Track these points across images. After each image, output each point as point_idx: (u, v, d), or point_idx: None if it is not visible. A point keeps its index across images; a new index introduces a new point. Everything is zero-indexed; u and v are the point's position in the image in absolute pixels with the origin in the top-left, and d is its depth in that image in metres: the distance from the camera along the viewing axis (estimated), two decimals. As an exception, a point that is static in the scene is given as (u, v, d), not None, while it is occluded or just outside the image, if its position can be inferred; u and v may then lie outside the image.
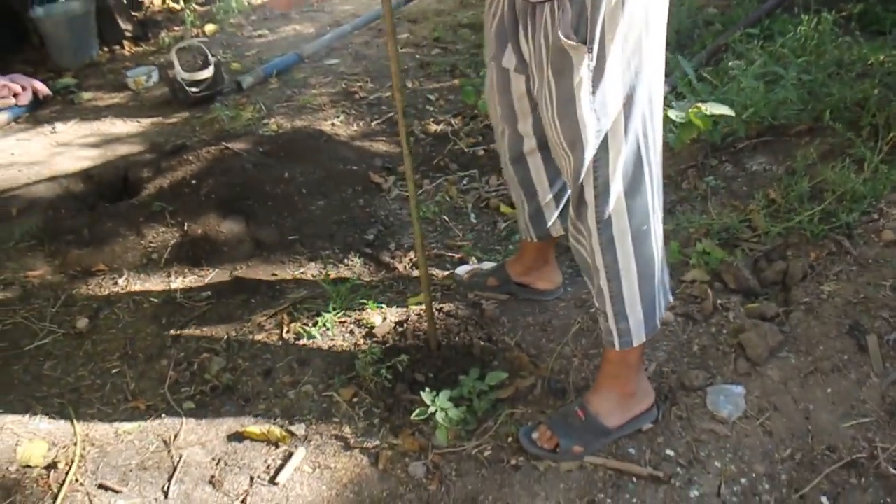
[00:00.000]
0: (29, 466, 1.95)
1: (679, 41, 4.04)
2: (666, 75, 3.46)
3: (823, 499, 1.69)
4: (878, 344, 1.95)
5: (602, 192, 1.62)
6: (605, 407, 1.86)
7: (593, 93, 1.52)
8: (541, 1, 1.51)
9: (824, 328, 2.03)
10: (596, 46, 1.47)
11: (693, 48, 3.97)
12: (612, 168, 1.59)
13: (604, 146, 1.58)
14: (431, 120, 3.69)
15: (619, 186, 1.61)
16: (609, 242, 1.67)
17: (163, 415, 2.10)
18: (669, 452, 1.83)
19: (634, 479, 1.78)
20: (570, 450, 1.84)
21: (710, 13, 4.45)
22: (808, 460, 1.76)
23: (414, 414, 1.94)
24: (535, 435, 1.88)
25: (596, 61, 1.49)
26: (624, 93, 1.53)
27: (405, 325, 2.32)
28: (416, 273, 2.58)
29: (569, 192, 1.76)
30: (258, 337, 2.34)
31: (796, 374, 1.93)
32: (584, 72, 1.50)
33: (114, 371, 2.28)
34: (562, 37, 1.48)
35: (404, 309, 2.40)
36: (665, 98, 3.17)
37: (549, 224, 2.18)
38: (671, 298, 1.87)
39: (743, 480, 1.75)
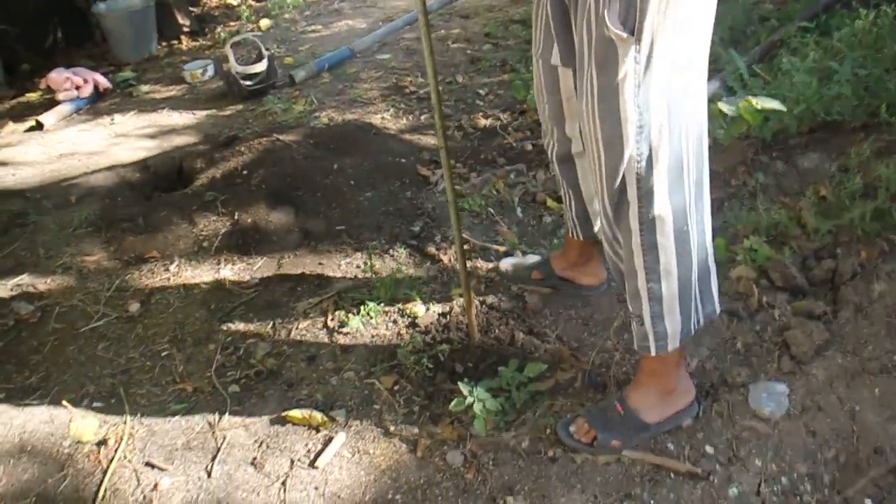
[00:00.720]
0: (80, 442, 2.02)
1: (733, 37, 3.97)
2: (717, 71, 3.44)
3: (868, 501, 1.65)
4: (929, 345, 1.90)
5: (646, 192, 1.57)
6: (645, 402, 1.85)
7: (638, 87, 1.48)
8: None
9: (873, 328, 1.98)
10: (644, 39, 1.43)
11: (747, 44, 3.90)
12: (657, 167, 1.55)
13: (646, 143, 1.52)
14: (480, 114, 3.70)
15: (663, 186, 1.57)
16: (652, 243, 1.63)
17: (209, 397, 2.15)
18: (709, 449, 1.81)
19: (672, 475, 1.77)
20: (608, 444, 1.83)
21: (766, 9, 4.36)
22: (853, 462, 1.73)
23: (452, 404, 1.96)
24: (573, 428, 1.88)
25: (643, 54, 1.45)
26: (670, 88, 1.49)
27: (448, 316, 2.34)
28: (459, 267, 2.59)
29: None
30: (303, 324, 2.39)
31: (843, 374, 1.89)
32: (630, 65, 1.46)
33: (163, 354, 2.34)
34: (610, 26, 1.43)
35: (448, 300, 2.42)
36: (716, 93, 3.15)
37: (596, 228, 2.16)
38: (717, 308, 1.81)
39: (784, 480, 1.72)
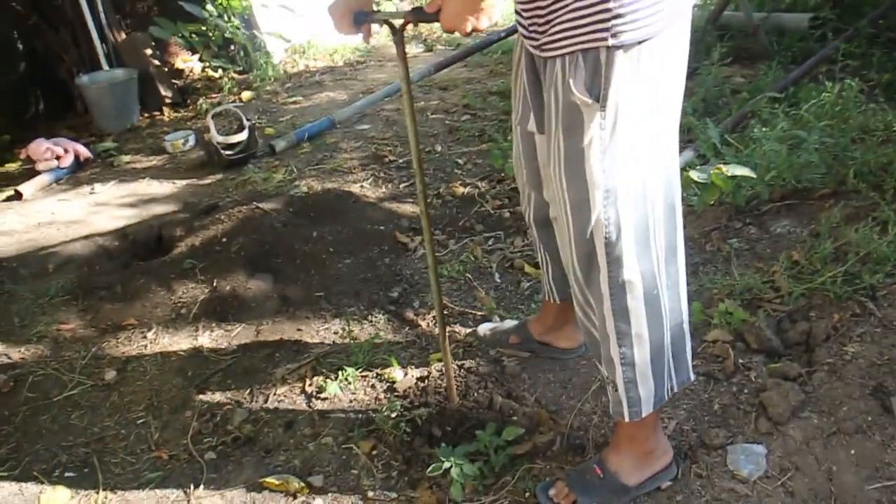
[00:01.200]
0: (50, 514, 1.98)
1: (706, 108, 4.10)
2: (690, 141, 3.53)
3: (848, 563, 1.65)
4: (903, 405, 1.92)
5: (616, 257, 1.59)
6: (624, 465, 1.84)
7: (604, 152, 1.50)
8: (552, 56, 1.51)
9: (848, 389, 2.00)
10: (609, 105, 1.46)
11: (720, 115, 4.02)
12: (625, 231, 1.56)
13: (613, 208, 1.54)
14: (459, 182, 3.75)
15: (632, 250, 1.59)
16: (623, 308, 1.64)
17: (184, 465, 2.12)
18: (689, 512, 1.80)
19: (653, 538, 1.76)
20: (589, 507, 1.82)
21: (738, 82, 4.51)
22: (833, 523, 1.73)
23: (430, 468, 1.94)
24: (552, 491, 1.86)
25: (609, 121, 1.48)
26: (636, 154, 1.52)
27: (426, 380, 2.34)
28: (438, 330, 2.60)
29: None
30: (281, 390, 2.37)
31: (819, 435, 1.90)
32: (595, 131, 1.49)
33: (139, 422, 2.31)
34: (575, 92, 1.47)
35: (426, 365, 2.41)
36: (690, 162, 3.23)
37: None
38: (691, 375, 1.82)
39: (765, 542, 1.71)
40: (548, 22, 1.49)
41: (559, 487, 1.86)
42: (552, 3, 1.46)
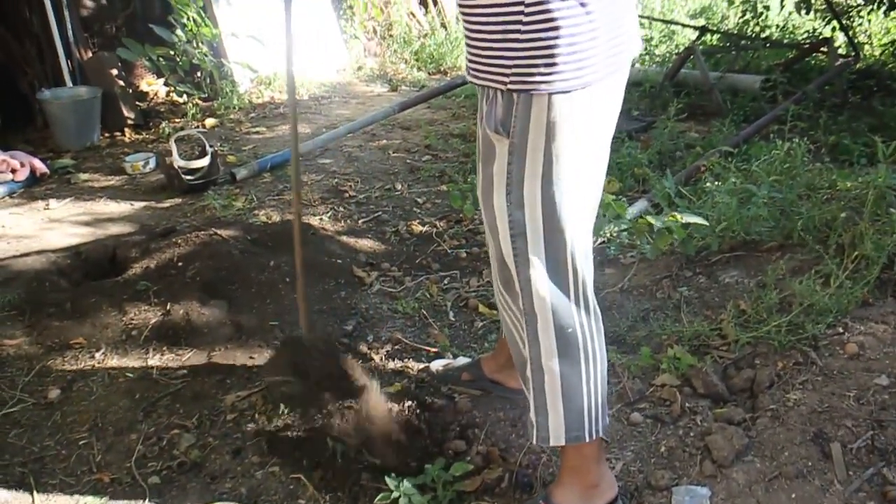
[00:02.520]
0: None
1: (661, 161, 4.22)
2: (646, 191, 3.62)
3: None
4: (841, 452, 1.97)
5: (525, 284, 1.66)
6: (568, 499, 1.86)
7: (510, 185, 1.59)
8: (480, 85, 1.60)
9: (789, 434, 2.06)
10: (518, 142, 1.54)
11: (674, 167, 4.14)
12: (533, 266, 1.64)
13: (522, 239, 1.62)
14: (417, 221, 3.79)
15: (541, 284, 1.65)
16: (534, 336, 1.70)
17: (126, 489, 2.08)
18: (633, 551, 1.83)
19: (597, 577, 1.77)
20: (534, 543, 1.83)
21: (692, 137, 4.66)
22: (771, 566, 1.76)
23: (378, 498, 1.93)
24: (499, 527, 1.87)
25: (516, 157, 1.55)
26: (543, 193, 1.58)
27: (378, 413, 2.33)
28: (392, 365, 2.61)
29: None
30: (230, 416, 2.35)
31: (761, 479, 1.95)
32: (503, 164, 1.58)
33: (81, 443, 2.27)
34: (488, 129, 1.57)
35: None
36: (645, 211, 3.31)
37: None
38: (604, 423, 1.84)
39: (705, 583, 1.74)
40: (474, 50, 1.57)
41: (506, 523, 1.87)
42: (473, 38, 1.55)
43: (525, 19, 1.44)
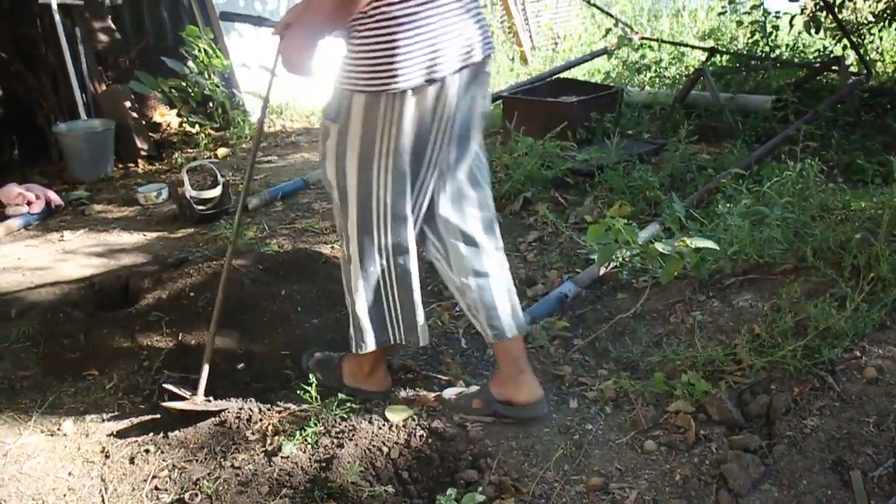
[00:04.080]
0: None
1: (672, 183, 4.20)
2: (657, 215, 3.60)
3: None
4: (861, 480, 1.94)
5: (343, 234, 2.29)
6: (347, 378, 2.56)
7: (336, 160, 2.13)
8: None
9: (807, 462, 2.03)
10: (341, 128, 2.07)
11: (686, 190, 4.13)
12: (349, 222, 2.23)
13: (345, 201, 2.20)
14: (429, 246, 3.78)
15: (353, 236, 2.24)
16: (348, 272, 2.33)
17: (137, 521, 2.07)
18: (649, 583, 1.79)
19: None
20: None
21: (704, 158, 4.65)
22: None
23: (390, 530, 1.92)
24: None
25: (341, 138, 2.08)
26: (359, 166, 2.10)
27: (390, 441, 2.32)
28: (403, 393, 2.60)
29: (492, 296, 2.35)
30: (241, 447, 2.34)
31: (778, 508, 1.92)
32: (333, 143, 2.12)
33: (92, 474, 2.26)
34: (325, 116, 2.13)
35: (391, 426, 2.40)
36: (655, 235, 3.30)
37: (504, 323, 2.39)
38: (422, 342, 2.45)
39: None
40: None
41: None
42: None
43: (352, 36, 1.99)
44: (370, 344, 2.40)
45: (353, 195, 2.16)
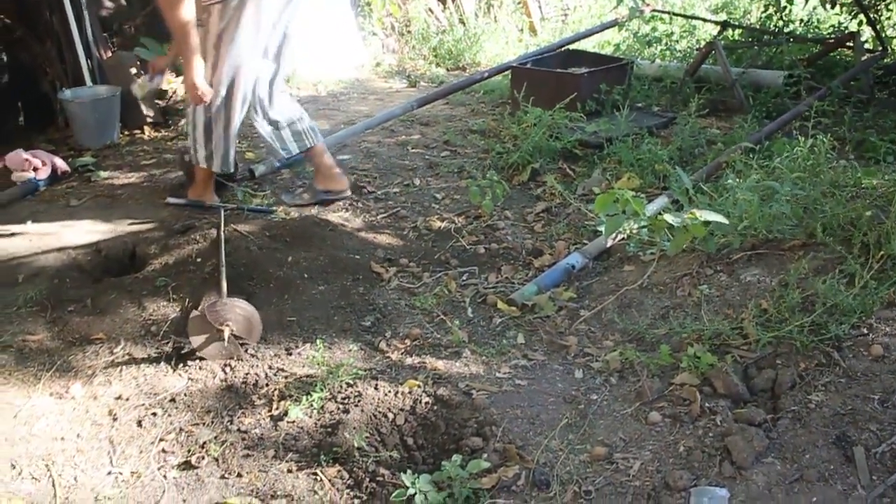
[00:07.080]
0: (3, 528, 1.94)
1: (682, 157, 4.18)
2: (665, 188, 3.58)
3: None
4: (864, 456, 1.95)
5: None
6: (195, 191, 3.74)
7: (220, 34, 3.34)
8: None
9: (811, 437, 2.03)
10: (216, 26, 3.32)
11: (695, 164, 4.10)
12: (222, 85, 3.45)
13: (220, 70, 3.40)
14: (436, 217, 3.78)
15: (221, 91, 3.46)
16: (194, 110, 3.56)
17: (146, 481, 2.09)
18: (651, 552, 1.81)
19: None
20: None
21: (714, 133, 4.62)
22: (792, 569, 1.74)
23: (394, 494, 1.93)
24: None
25: (225, 20, 3.32)
26: (227, 49, 3.36)
27: (395, 408, 2.33)
28: (409, 360, 2.60)
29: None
30: (247, 411, 2.35)
31: (782, 481, 1.92)
32: (216, 33, 3.34)
33: (100, 436, 2.28)
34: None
35: (396, 393, 2.41)
36: (665, 208, 3.28)
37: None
38: (228, 169, 3.77)
39: (724, 585, 1.72)
40: None
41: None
42: None
43: None
44: (207, 162, 3.69)
45: (226, 70, 3.43)
